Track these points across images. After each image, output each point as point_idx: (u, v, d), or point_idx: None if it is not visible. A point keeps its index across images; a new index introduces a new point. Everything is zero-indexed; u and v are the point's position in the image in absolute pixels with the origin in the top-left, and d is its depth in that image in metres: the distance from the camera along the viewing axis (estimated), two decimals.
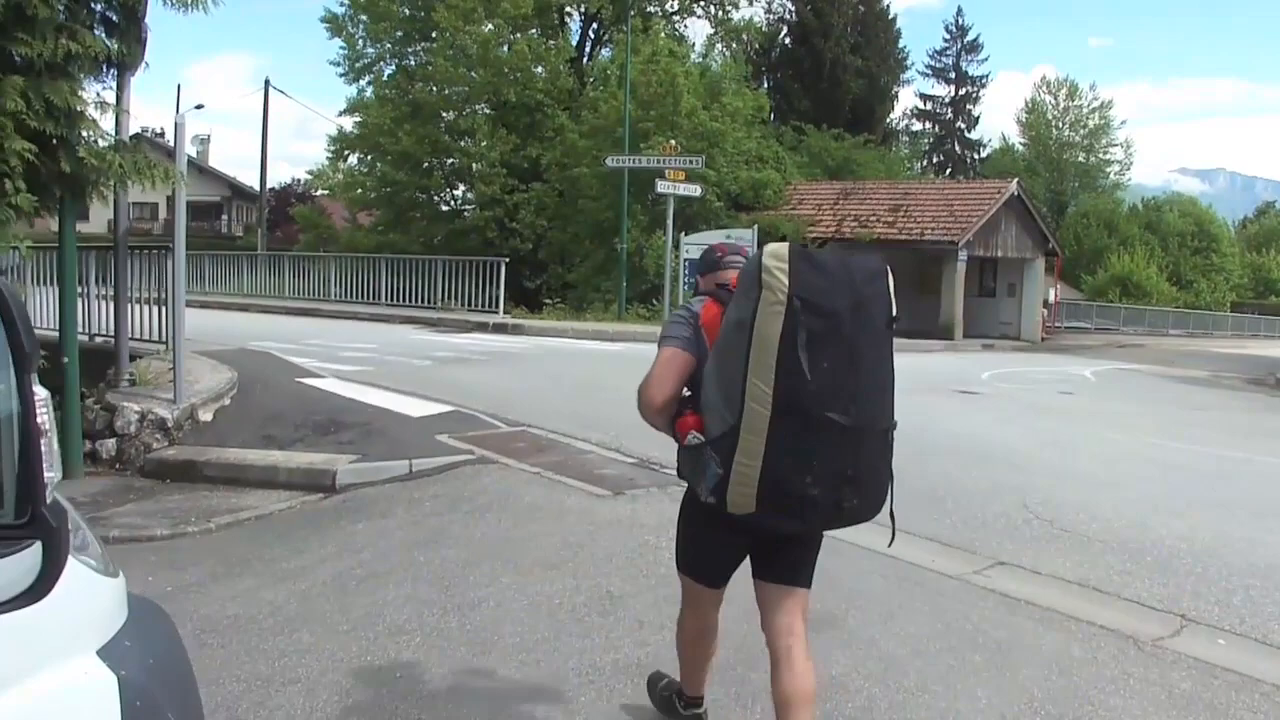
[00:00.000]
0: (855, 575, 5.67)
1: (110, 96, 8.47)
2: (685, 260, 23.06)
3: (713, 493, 3.02)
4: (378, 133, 31.52)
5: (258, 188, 45.92)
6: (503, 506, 7.02)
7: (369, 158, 34.07)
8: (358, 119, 33.68)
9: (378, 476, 7.86)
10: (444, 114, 31.99)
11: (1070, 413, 13.53)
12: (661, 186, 23.51)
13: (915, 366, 18.96)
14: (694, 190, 24.39)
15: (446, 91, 31.26)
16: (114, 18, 8.23)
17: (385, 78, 33.61)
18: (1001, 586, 5.62)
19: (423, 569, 5.76)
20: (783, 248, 2.94)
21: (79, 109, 7.40)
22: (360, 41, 33.41)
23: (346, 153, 35.39)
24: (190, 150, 67.85)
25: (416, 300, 23.61)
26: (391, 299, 24.04)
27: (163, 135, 56.38)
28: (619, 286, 24.75)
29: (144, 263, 10.80)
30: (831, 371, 2.87)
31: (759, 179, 29.69)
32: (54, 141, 7.47)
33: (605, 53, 35.03)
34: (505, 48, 30.83)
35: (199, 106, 61.24)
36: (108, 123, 8.29)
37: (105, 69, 8.65)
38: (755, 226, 24.24)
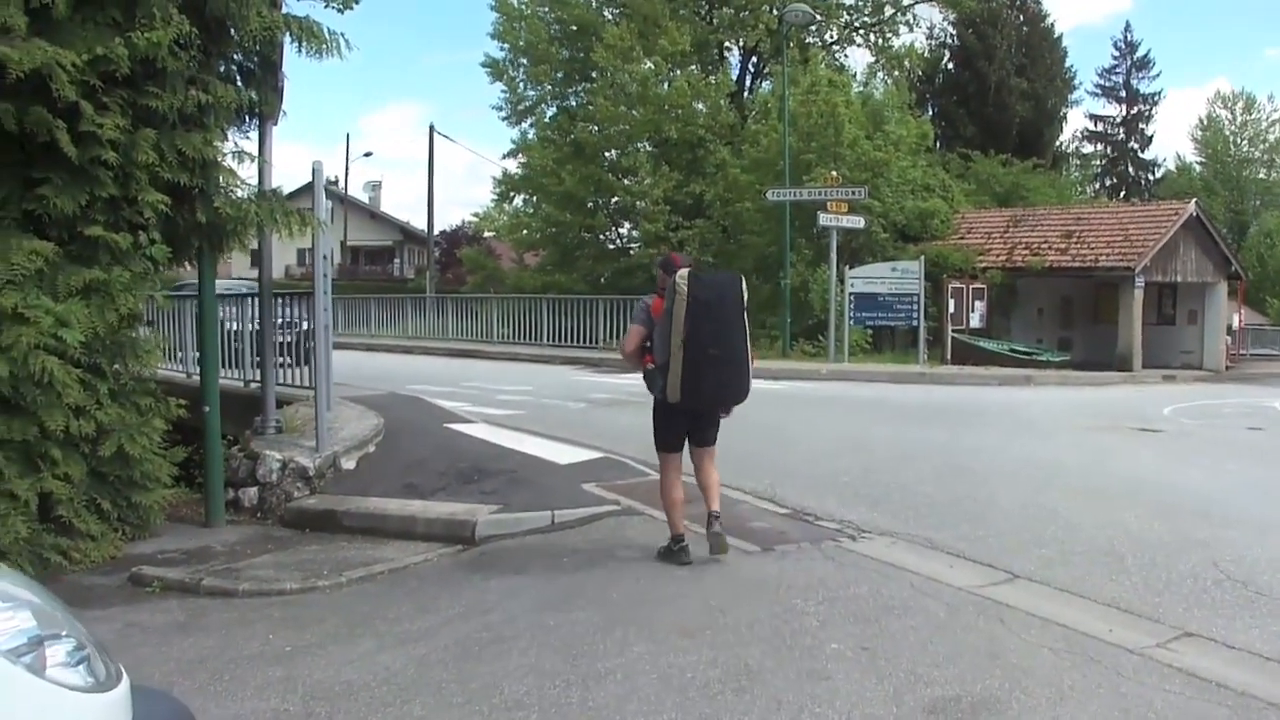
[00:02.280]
0: (1022, 649, 5.06)
1: (249, 145, 8.55)
2: (851, 295, 22.33)
3: (661, 392, 6.40)
4: (541, 174, 31.97)
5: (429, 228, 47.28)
6: (643, 563, 6.64)
7: (534, 199, 34.57)
8: (521, 161, 34.23)
9: (518, 528, 7.60)
10: (606, 153, 32.20)
11: (1261, 451, 12.32)
12: (824, 219, 22.90)
13: (1091, 401, 17.74)
14: (857, 222, 23.68)
15: (608, 130, 31.38)
16: (251, 67, 8.30)
17: (547, 119, 34.12)
18: (1189, 664, 4.88)
19: (551, 634, 5.41)
20: (686, 272, 6.28)
21: (214, 159, 7.42)
22: (521, 85, 34.08)
23: (511, 194, 35.97)
24: (362, 197, 71.09)
25: (578, 340, 23.59)
26: (553, 339, 24.10)
27: (335, 183, 58.98)
28: (783, 322, 24.19)
29: (296, 308, 10.87)
30: (709, 331, 6.20)
31: (925, 208, 28.71)
32: (194, 192, 7.53)
33: (765, 86, 34.74)
34: (665, 85, 30.87)
35: (368, 154, 63.77)
36: (248, 171, 8.36)
37: (247, 119, 8.76)
38: (923, 258, 23.38)
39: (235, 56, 8.25)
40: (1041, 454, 10.87)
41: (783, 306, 24.43)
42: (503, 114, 34.63)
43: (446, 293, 34.15)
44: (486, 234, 47.53)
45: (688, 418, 6.55)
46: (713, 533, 6.46)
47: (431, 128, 41.94)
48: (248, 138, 8.86)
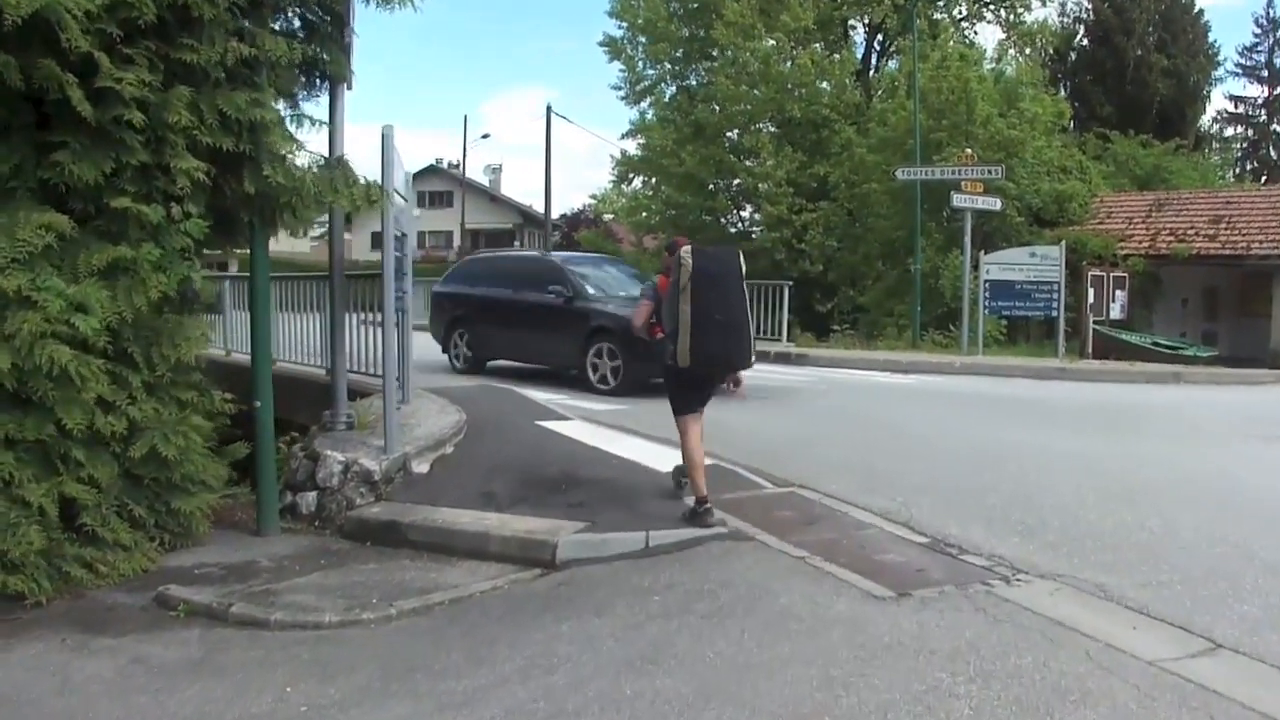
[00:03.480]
0: None
1: (318, 111, 7.53)
2: (986, 282, 20.54)
3: (672, 358, 6.80)
4: (660, 155, 30.73)
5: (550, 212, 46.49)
6: (749, 609, 5.36)
7: (653, 180, 33.36)
8: (640, 142, 33.02)
9: (606, 551, 6.42)
10: (727, 134, 30.75)
11: None
12: (958, 200, 21.13)
13: (1251, 404, 15.45)
14: (993, 204, 21.82)
15: (729, 110, 29.95)
16: (314, 20, 7.24)
17: (666, 99, 32.66)
18: None
19: (626, 709, 4.21)
20: (689, 247, 6.82)
21: (263, 121, 6.35)
22: (640, 63, 32.69)
23: (630, 176, 34.81)
24: (482, 179, 70.61)
25: None
26: None
27: (457, 166, 58.58)
28: (913, 311, 22.52)
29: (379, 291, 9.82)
30: (715, 299, 6.73)
31: (1062, 191, 26.47)
32: (242, 159, 6.49)
33: (891, 64, 32.80)
34: (788, 63, 29.29)
35: (485, 136, 63.50)
36: (317, 141, 7.34)
37: (317, 81, 7.75)
38: (1062, 243, 21.39)
39: (296, 10, 7.20)
40: (1213, 469, 9.22)
41: (912, 294, 22.76)
42: (621, 94, 33.37)
43: None
44: (607, 217, 46.54)
45: (697, 381, 7.03)
46: (678, 484, 7.47)
47: (549, 108, 41.15)
48: (315, 100, 7.87)
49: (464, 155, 55.21)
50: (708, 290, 6.67)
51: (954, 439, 10.34)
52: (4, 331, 5.39)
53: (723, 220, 32.71)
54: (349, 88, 7.99)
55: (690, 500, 6.96)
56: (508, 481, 7.72)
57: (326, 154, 7.68)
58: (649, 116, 33.07)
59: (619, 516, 6.93)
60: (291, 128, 7.09)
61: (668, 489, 7.59)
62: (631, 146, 34.16)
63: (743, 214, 32.96)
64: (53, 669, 5.05)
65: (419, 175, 67.17)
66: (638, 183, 34.82)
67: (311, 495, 7.46)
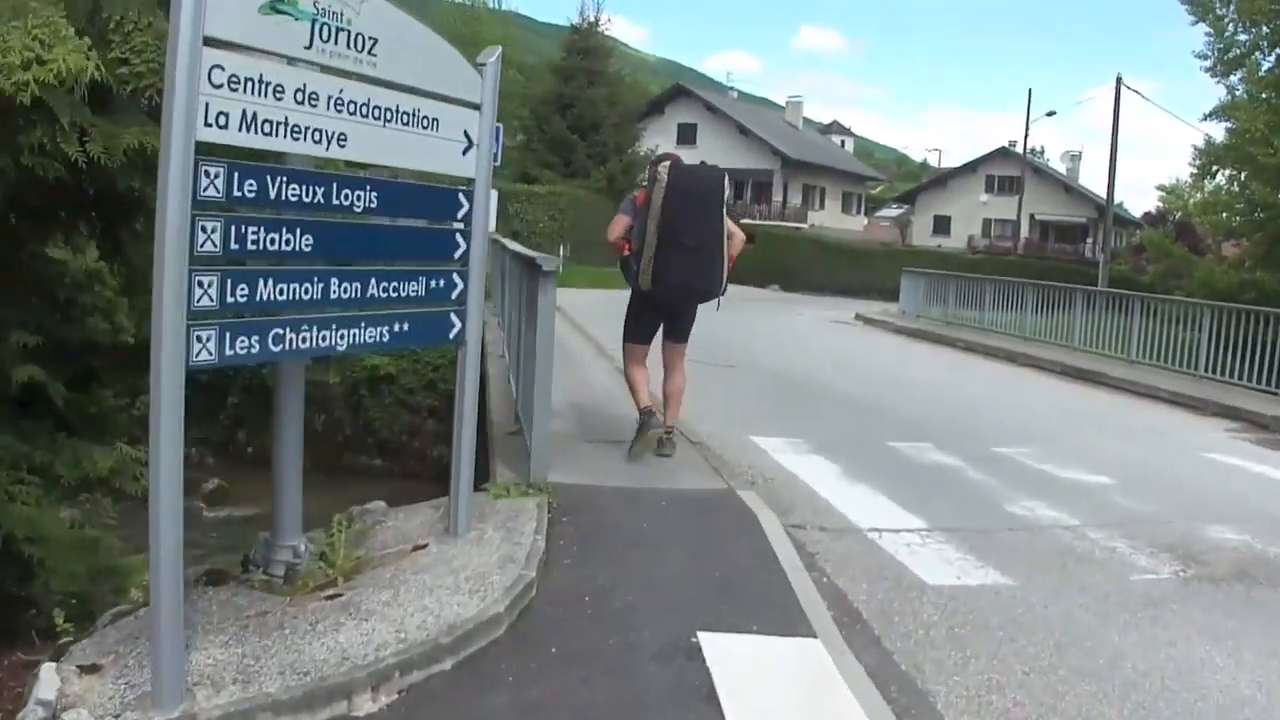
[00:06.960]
0: None
1: None
2: None
3: (635, 279, 6.42)
4: (1248, 142, 22.46)
5: (1132, 211, 38.30)
6: None
7: (1241, 174, 24.87)
8: (1228, 126, 24.60)
9: None
10: None
11: None
12: None
13: None
14: None
15: None
16: None
17: (1261, 72, 23.50)
18: None
19: None
20: (668, 162, 6.38)
21: None
22: (1230, 25, 23.88)
23: (1214, 168, 26.39)
24: (1059, 167, 62.34)
25: (1247, 375, 14.69)
26: (1211, 368, 15.42)
27: (1037, 153, 50.79)
28: None
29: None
30: (684, 219, 6.23)
31: None
32: None
33: None
34: None
35: (1050, 114, 55.82)
36: None
37: None
38: None
39: None
40: None
41: None
42: (1206, 64, 24.66)
43: (1071, 284, 23.74)
44: (1194, 218, 37.19)
45: (660, 311, 6.74)
46: (659, 442, 6.75)
47: (1119, 80, 32.96)
48: None
49: (1025, 134, 47.36)
50: (680, 209, 6.29)
51: None
52: None
53: None
54: None
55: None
56: None
57: None
58: (1238, 93, 24.39)
59: None
60: None
61: None
62: (1217, 132, 25.77)
63: None
64: None
65: (989, 158, 59.84)
66: (1221, 177, 26.37)
67: None
